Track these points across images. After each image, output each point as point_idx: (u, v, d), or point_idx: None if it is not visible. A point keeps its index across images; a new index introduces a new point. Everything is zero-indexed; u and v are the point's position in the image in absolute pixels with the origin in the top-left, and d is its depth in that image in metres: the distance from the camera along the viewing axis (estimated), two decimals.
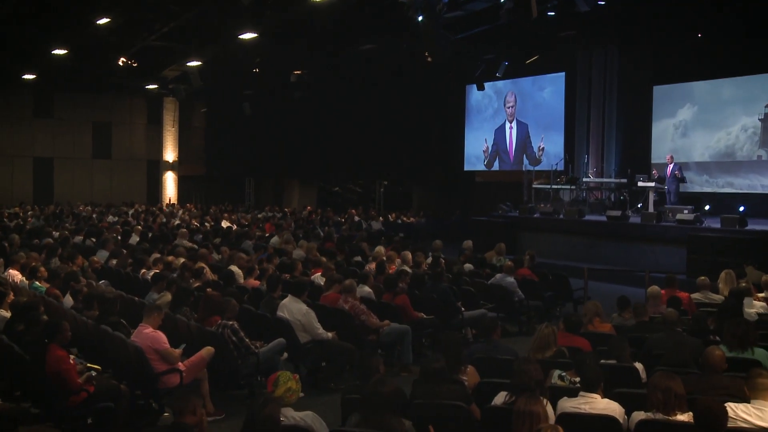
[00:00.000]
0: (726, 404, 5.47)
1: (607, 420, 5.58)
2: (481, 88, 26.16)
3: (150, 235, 18.15)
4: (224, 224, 22.31)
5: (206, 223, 22.56)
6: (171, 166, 35.50)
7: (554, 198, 22.64)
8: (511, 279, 12.32)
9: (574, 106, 25.26)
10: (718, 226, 16.87)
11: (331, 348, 9.01)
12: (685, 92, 23.07)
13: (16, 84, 29.51)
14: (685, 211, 17.60)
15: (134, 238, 17.03)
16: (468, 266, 14.12)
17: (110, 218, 23.66)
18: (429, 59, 23.05)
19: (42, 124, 32.98)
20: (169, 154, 35.38)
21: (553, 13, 19.09)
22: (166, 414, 7.54)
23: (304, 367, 9.18)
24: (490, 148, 29.00)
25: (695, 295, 10.69)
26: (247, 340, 8.24)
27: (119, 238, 17.08)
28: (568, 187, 22.19)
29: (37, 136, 32.89)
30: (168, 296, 9.52)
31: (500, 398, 5.82)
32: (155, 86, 30.11)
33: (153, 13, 20.60)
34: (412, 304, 10.84)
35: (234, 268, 12.11)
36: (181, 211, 27.32)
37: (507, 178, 27.72)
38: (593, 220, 19.81)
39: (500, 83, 28.25)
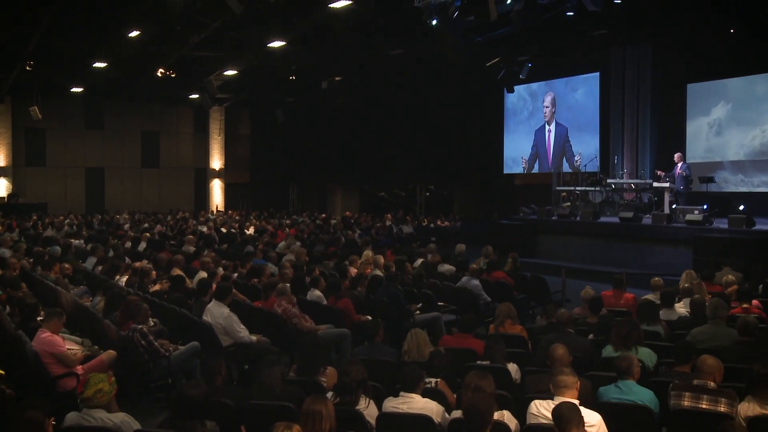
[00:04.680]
0: (533, 402, 5.48)
1: (423, 419, 5.62)
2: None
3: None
4: (250, 231, 22.65)
5: (233, 229, 22.93)
6: (218, 174, 36.33)
7: (583, 200, 22.30)
8: (476, 282, 12.23)
9: (608, 106, 24.86)
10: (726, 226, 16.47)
11: (255, 351, 9.12)
12: (719, 89, 22.48)
13: (68, 97, 30.75)
14: (696, 212, 17.18)
15: (142, 245, 17.50)
16: (450, 269, 14.11)
17: (145, 225, 24.28)
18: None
19: (93, 135, 34.20)
20: (216, 162, 36.24)
21: (572, 13, 18.81)
22: None
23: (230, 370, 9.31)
24: (530, 152, 28.75)
25: (648, 296, 10.44)
26: (156, 343, 8.40)
27: (130, 244, 17.67)
28: (592, 188, 21.80)
29: (89, 147, 34.09)
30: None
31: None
32: (197, 96, 30.75)
33: (182, 25, 21.04)
34: (366, 307, 10.94)
35: (203, 273, 12.35)
36: (212, 218, 27.83)
37: (545, 181, 27.40)
38: (606, 222, 19.52)
39: (534, 85, 28.09)
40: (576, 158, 25.27)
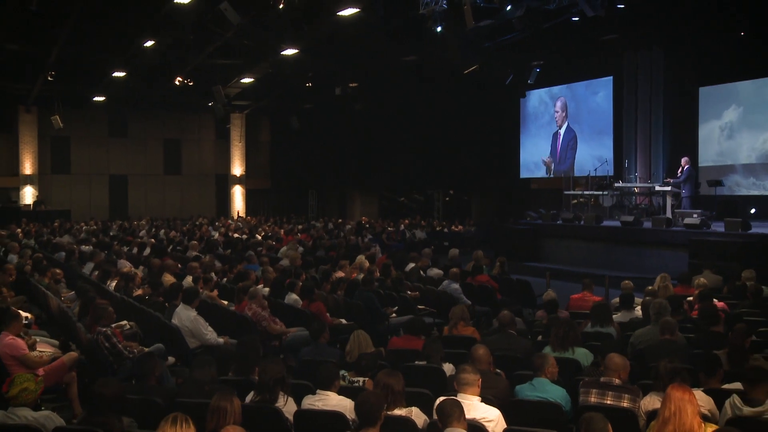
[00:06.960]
0: (438, 399, 5.65)
1: (336, 415, 5.81)
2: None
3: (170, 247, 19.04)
4: (260, 237, 22.98)
5: (244, 235, 23.27)
6: (239, 180, 36.87)
7: (594, 204, 22.28)
8: (456, 285, 12.39)
9: (622, 110, 24.82)
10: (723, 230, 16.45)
11: (221, 353, 9.35)
12: (731, 93, 22.33)
13: (92, 106, 31.43)
14: (694, 215, 17.15)
15: (147, 251, 17.88)
16: (438, 273, 14.31)
17: (161, 232, 24.75)
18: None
19: (116, 143, 35.05)
20: (237, 169, 36.77)
21: (576, 19, 18.86)
22: None
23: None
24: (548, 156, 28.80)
25: (616, 300, 10.54)
26: (119, 346, 8.66)
27: (136, 250, 18.12)
28: (601, 192, 21.80)
29: (112, 155, 34.94)
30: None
31: (249, 396, 6.08)
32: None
33: (195, 35, 21.42)
34: (344, 310, 11.17)
35: (188, 279, 12.62)
36: (225, 223, 28.25)
37: (560, 185, 27.32)
38: (607, 226, 19.50)
39: (556, 89, 28.03)
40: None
